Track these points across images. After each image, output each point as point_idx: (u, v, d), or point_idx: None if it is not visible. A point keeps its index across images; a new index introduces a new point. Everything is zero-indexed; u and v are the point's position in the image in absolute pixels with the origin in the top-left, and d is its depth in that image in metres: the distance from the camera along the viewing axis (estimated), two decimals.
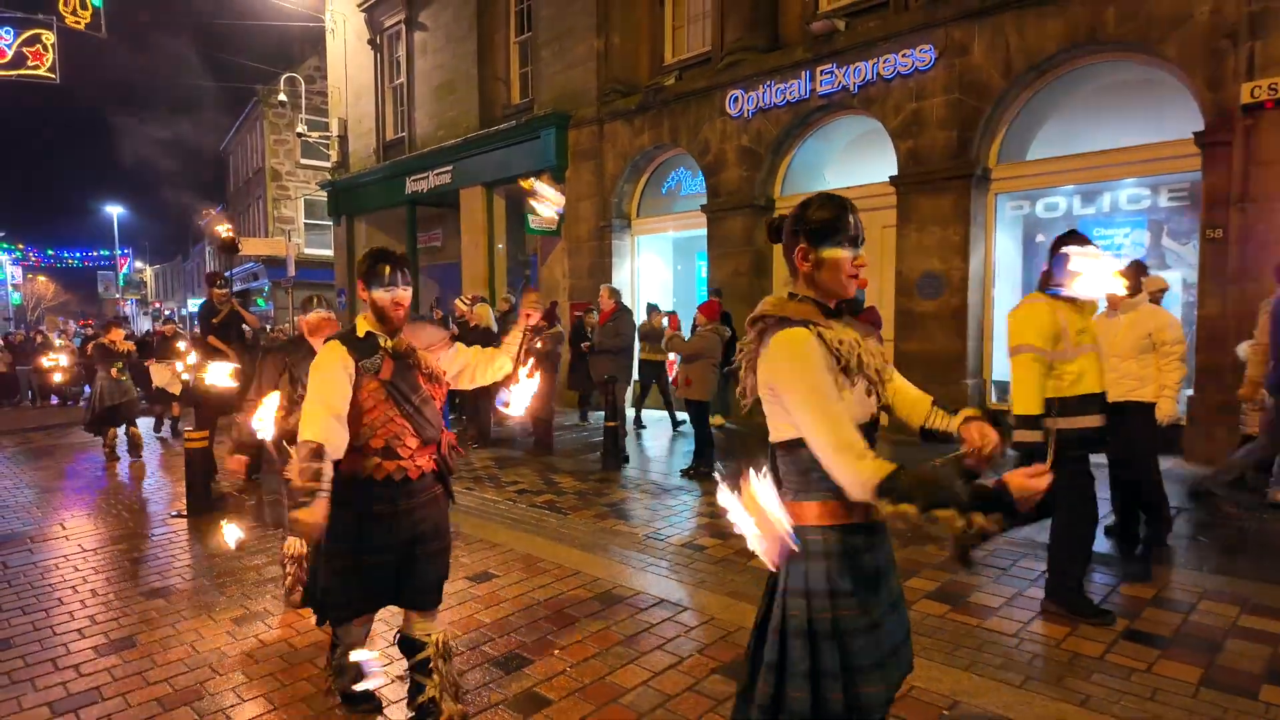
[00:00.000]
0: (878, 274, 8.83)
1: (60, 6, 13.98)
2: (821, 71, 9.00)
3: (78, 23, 14.05)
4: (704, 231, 10.58)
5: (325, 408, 2.44)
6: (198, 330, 8.87)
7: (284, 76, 18.69)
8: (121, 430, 8.86)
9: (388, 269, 2.56)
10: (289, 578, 4.01)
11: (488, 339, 8.88)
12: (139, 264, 56.62)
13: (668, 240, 12.21)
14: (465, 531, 5.28)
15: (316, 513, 2.31)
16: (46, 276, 56.64)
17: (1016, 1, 7.51)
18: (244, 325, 8.24)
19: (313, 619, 3.48)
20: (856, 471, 1.52)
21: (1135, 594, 3.94)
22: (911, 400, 1.89)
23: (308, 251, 23.71)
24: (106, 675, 3.37)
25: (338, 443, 2.45)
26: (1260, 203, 6.24)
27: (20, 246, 53.54)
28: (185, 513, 6.13)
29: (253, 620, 3.94)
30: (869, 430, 1.70)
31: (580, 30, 11.86)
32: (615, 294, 7.90)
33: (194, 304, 40.72)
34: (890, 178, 8.53)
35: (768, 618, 1.74)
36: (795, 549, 1.59)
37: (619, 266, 11.84)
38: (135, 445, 8.82)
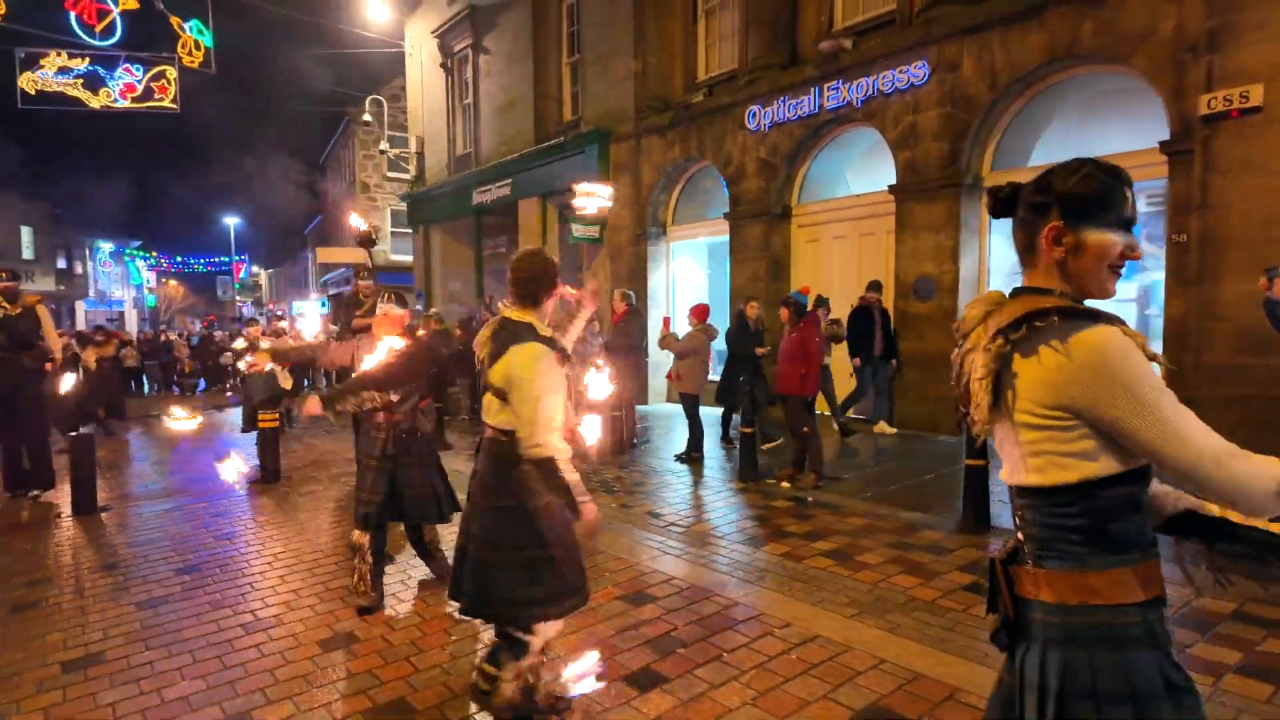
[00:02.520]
0: (881, 277, 9.40)
1: (179, 48, 16.09)
2: (829, 88, 9.61)
3: (192, 62, 16.13)
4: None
5: (558, 417, 2.50)
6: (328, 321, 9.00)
7: (369, 98, 20.49)
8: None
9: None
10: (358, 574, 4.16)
11: None
12: (255, 268, 61.64)
13: (702, 245, 12.99)
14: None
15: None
16: (176, 280, 62.38)
17: (1001, 19, 7.94)
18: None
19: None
20: (1264, 470, 1.20)
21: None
22: None
23: (394, 258, 25.67)
24: (178, 589, 4.55)
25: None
26: (1217, 209, 6.51)
27: (154, 254, 59.25)
28: (259, 480, 7.46)
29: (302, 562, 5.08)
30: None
31: (620, 52, 12.80)
32: (628, 298, 8.76)
33: (298, 304, 44.06)
34: (889, 186, 9.06)
35: None
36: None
37: (654, 271, 12.72)
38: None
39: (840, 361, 9.08)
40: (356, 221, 7.54)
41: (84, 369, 10.86)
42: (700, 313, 7.75)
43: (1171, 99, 6.83)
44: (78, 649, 3.72)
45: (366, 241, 7.45)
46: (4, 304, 6.81)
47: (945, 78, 8.45)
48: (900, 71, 8.80)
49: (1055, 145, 8.50)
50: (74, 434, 6.60)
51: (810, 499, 6.02)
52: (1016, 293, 1.43)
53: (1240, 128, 6.37)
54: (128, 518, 6.27)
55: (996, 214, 1.52)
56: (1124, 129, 7.65)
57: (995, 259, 8.69)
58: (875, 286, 8.86)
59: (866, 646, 3.42)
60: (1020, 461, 1.35)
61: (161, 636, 3.84)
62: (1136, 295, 7.89)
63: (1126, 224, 1.36)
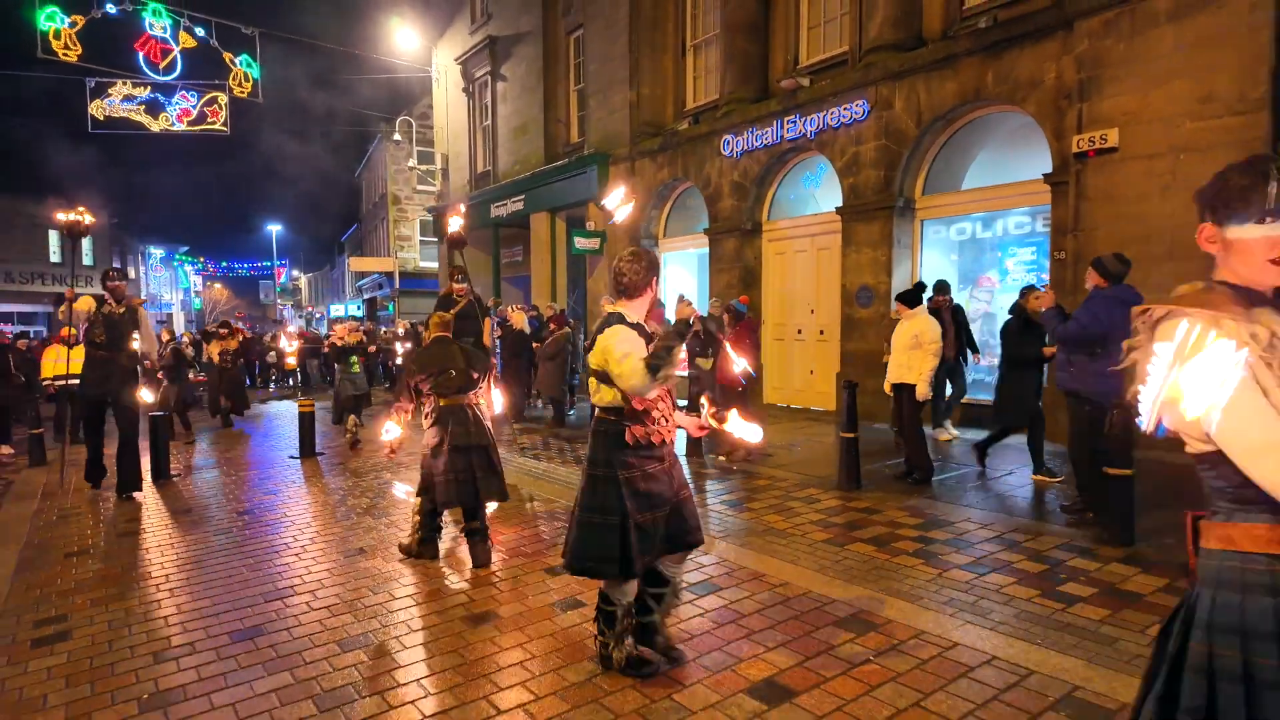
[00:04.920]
0: (834, 286, 10.73)
1: (230, 80, 18.00)
2: (788, 120, 10.98)
3: (242, 92, 18.03)
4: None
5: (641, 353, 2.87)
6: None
7: (399, 119, 22.28)
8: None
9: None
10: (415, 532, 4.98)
11: (522, 339, 11.53)
12: (295, 273, 64.51)
13: (691, 256, 14.40)
14: None
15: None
16: (221, 284, 65.52)
17: (924, 66, 9.24)
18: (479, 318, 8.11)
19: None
20: None
21: (873, 509, 5.90)
22: None
23: (422, 265, 27.50)
24: (240, 523, 6.12)
25: None
26: (1087, 231, 7.76)
27: (201, 259, 62.28)
28: (297, 455, 9.07)
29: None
30: None
31: (617, 83, 14.29)
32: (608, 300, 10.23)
33: (336, 308, 46.22)
34: (836, 208, 10.40)
35: (1182, 648, 1.49)
36: None
37: None
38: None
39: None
40: (454, 222, 7.81)
41: (208, 361, 12.22)
42: (656, 316, 9.18)
43: (1054, 138, 8.10)
44: (171, 559, 5.28)
45: (457, 243, 8.17)
46: (111, 303, 6.96)
47: (882, 114, 9.77)
48: (845, 108, 10.14)
49: (982, 173, 9.77)
50: (155, 415, 8.24)
51: (735, 468, 7.41)
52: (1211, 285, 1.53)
53: (1102, 164, 7.62)
54: (196, 480, 7.91)
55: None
56: (1027, 161, 8.89)
57: (926, 271, 9.97)
58: (944, 288, 8.26)
59: (720, 554, 4.83)
60: (1187, 436, 1.47)
61: (230, 550, 5.39)
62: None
63: (1274, 215, 1.41)
